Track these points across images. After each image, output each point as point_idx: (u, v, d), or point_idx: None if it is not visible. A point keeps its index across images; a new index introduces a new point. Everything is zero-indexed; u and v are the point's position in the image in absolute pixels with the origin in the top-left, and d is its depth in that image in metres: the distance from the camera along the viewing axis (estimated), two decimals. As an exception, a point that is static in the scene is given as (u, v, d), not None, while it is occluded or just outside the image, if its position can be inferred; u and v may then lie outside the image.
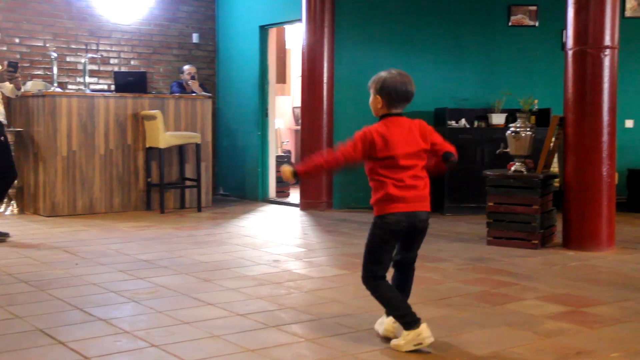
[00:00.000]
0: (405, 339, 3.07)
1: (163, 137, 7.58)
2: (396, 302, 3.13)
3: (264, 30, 8.97)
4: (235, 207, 8.43)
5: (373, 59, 8.10)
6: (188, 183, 8.10)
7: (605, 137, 5.36)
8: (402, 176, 3.05)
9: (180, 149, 8.07)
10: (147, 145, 7.80)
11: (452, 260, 5.15)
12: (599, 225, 5.41)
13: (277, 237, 6.24)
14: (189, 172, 8.14)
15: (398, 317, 3.12)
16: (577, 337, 3.30)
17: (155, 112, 7.59)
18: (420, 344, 3.06)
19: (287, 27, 9.89)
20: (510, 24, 8.11)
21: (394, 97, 3.10)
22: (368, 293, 4.12)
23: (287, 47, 10.88)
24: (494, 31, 8.14)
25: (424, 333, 3.07)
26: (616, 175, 6.94)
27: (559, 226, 5.93)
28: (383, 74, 3.15)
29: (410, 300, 3.98)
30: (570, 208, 5.53)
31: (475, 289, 4.26)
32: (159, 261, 5.08)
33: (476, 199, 7.36)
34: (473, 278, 4.54)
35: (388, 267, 3.21)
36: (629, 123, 8.29)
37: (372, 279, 3.16)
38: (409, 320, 3.07)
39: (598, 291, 4.21)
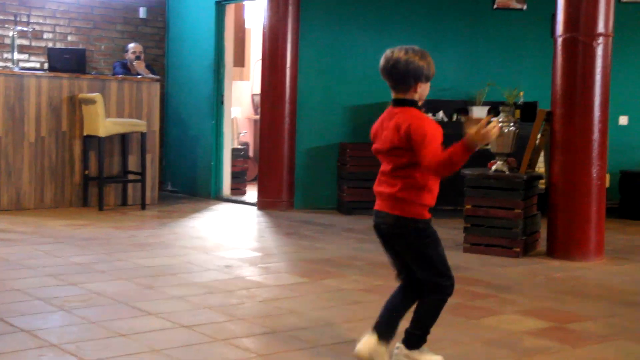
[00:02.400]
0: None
1: (103, 124, 7.49)
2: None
3: (220, 6, 8.92)
4: (185, 205, 8.37)
5: (342, 42, 8.12)
6: (131, 177, 8.03)
7: (596, 135, 5.44)
8: (380, 171, 3.08)
9: (123, 138, 7.99)
10: (85, 133, 7.70)
11: (424, 268, 5.18)
12: (587, 233, 5.50)
13: (230, 239, 6.21)
14: (133, 164, 8.06)
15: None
16: (559, 356, 3.34)
17: (95, 95, 7.50)
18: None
19: (246, 3, 9.84)
20: (495, 6, 8.19)
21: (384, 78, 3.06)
22: (329, 304, 4.16)
23: (246, 26, 10.82)
24: (477, 14, 8.22)
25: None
26: (607, 177, 7.06)
27: (543, 232, 6.01)
28: None
29: (376, 312, 4.01)
30: (556, 213, 5.60)
31: (449, 301, 4.27)
32: (95, 265, 5.02)
33: (453, 201, 7.42)
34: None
35: (397, 272, 3.25)
36: (623, 120, 8.43)
37: None
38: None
39: (583, 305, 4.27)
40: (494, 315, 4.00)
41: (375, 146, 3.09)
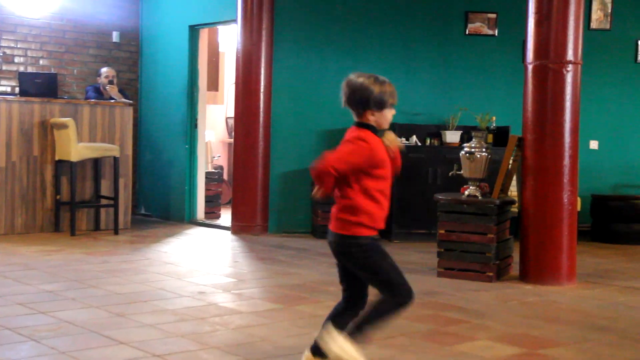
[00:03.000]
0: None
1: (75, 148, 7.44)
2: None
3: (194, 30, 8.94)
4: (158, 229, 8.32)
5: (315, 67, 8.16)
6: (104, 202, 7.97)
7: (566, 161, 5.51)
8: None
9: (96, 163, 7.94)
10: (57, 158, 7.65)
11: (398, 294, 5.19)
12: (559, 258, 5.54)
13: (204, 265, 6.18)
14: (105, 189, 8.01)
15: None
16: (531, 382, 3.35)
17: (67, 120, 7.45)
18: None
19: (220, 27, 9.88)
20: (467, 32, 8.28)
21: None
22: (303, 331, 4.14)
23: (220, 49, 10.86)
24: (450, 40, 8.31)
25: None
26: (579, 201, 7.15)
27: (516, 257, 6.06)
28: None
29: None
30: (528, 238, 5.65)
31: (422, 327, 4.30)
32: (66, 292, 4.96)
33: (427, 225, 7.45)
34: (421, 314, 4.58)
35: (343, 288, 3.46)
36: (594, 144, 8.54)
37: None
38: None
39: (556, 331, 4.30)
40: (467, 342, 4.00)
41: None
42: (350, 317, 3.31)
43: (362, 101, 3.14)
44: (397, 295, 3.17)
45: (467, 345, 3.94)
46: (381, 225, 3.23)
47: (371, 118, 3.13)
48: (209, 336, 4.01)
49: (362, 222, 3.16)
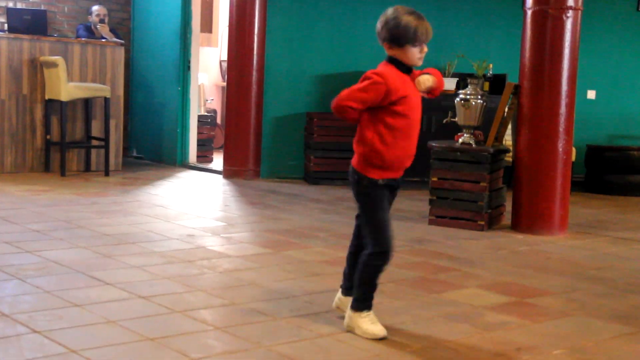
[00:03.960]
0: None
1: (65, 88, 7.33)
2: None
3: (188, -31, 8.74)
4: (149, 172, 8.26)
5: (310, 10, 8.01)
6: (94, 143, 7.89)
7: (563, 110, 5.42)
8: None
9: (86, 103, 7.83)
10: (47, 97, 7.54)
11: (388, 240, 5.16)
12: (552, 207, 5.50)
13: (194, 208, 6.13)
14: (96, 130, 7.91)
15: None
16: (519, 331, 3.33)
17: (57, 58, 7.31)
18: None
19: (216, -33, 9.66)
20: (467, -23, 8.11)
21: None
22: (291, 276, 4.11)
23: (215, -10, 10.64)
24: (449, -15, 8.13)
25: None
26: (573, 151, 7.08)
27: (508, 206, 6.02)
28: None
29: (338, 284, 3.98)
30: (521, 187, 5.59)
31: (411, 274, 4.27)
32: (53, 232, 4.92)
33: (420, 173, 7.36)
34: (410, 262, 4.55)
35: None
36: (591, 94, 8.45)
37: None
38: None
39: (545, 280, 4.27)
40: (456, 290, 3.98)
41: None
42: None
43: (381, 33, 3.04)
44: (376, 245, 3.10)
45: (455, 293, 3.91)
46: (396, 168, 3.11)
47: (391, 52, 3.03)
48: (195, 279, 3.97)
49: (371, 161, 3.07)
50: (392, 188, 3.19)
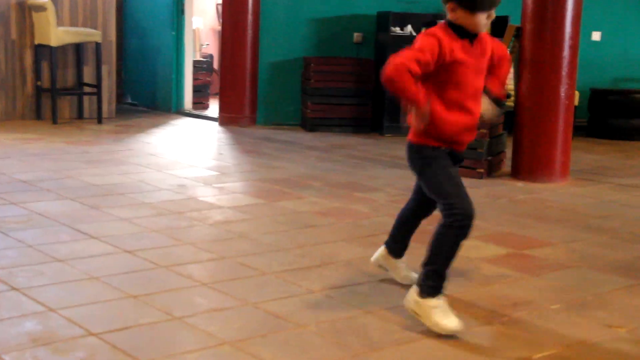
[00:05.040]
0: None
1: (55, 33, 7.11)
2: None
3: None
4: (143, 119, 8.10)
5: (308, -51, 7.72)
6: (87, 89, 7.70)
7: (566, 52, 5.23)
8: None
9: (77, 48, 7.62)
10: (36, 42, 7.33)
11: (384, 189, 5.03)
12: (553, 154, 5.35)
13: (187, 157, 5.99)
14: (88, 76, 7.71)
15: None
16: (516, 285, 3.22)
17: (45, 2, 7.08)
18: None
19: None
20: None
21: None
22: (283, 228, 3.99)
23: None
24: None
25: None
26: (577, 95, 6.89)
27: (509, 152, 5.86)
28: None
29: (331, 237, 3.87)
30: (521, 133, 5.43)
31: (407, 224, 4.13)
32: (41, 183, 4.79)
33: (420, 119, 7.22)
34: (406, 211, 4.41)
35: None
36: (596, 35, 8.21)
37: None
38: None
39: (545, 230, 4.15)
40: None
41: None
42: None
43: None
44: (447, 214, 2.72)
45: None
46: (455, 142, 2.81)
47: (453, 16, 2.63)
48: (184, 232, 3.85)
49: (429, 133, 2.73)
50: (455, 159, 2.87)
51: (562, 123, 5.34)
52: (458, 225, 2.70)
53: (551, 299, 3.06)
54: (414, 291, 2.74)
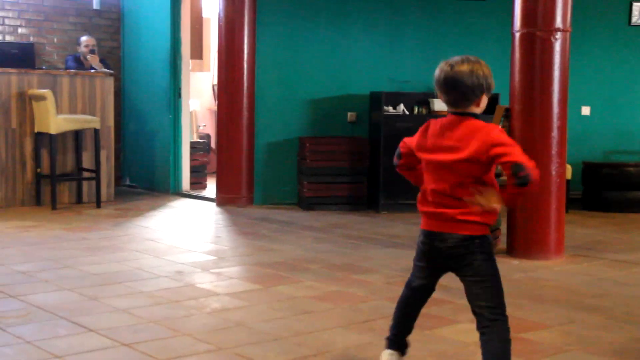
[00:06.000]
0: None
1: (54, 121, 7.26)
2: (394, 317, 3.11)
3: (176, -4, 8.70)
4: (142, 201, 8.18)
5: (300, 33, 7.94)
6: (86, 174, 7.81)
7: (554, 132, 5.34)
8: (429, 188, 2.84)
9: (77, 135, 7.76)
10: (36, 130, 7.46)
11: (381, 271, 5.06)
12: (547, 231, 5.41)
13: (185, 241, 6.04)
14: (87, 161, 7.83)
15: None
16: (512, 371, 3.22)
17: (45, 91, 7.25)
18: None
19: (204, -7, 9.62)
20: (456, -3, 8.05)
21: (440, 93, 2.86)
22: (280, 315, 4.01)
23: (204, 16, 10.60)
24: (437, 3, 8.08)
25: (381, 358, 3.06)
26: (569, 168, 6.99)
27: (504, 229, 5.91)
28: None
29: (328, 323, 3.88)
30: (515, 211, 5.50)
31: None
32: (39, 273, 4.83)
33: (415, 195, 7.29)
34: (403, 294, 4.44)
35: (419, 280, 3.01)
36: (586, 110, 8.37)
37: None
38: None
39: (541, 311, 4.17)
40: (449, 325, 3.88)
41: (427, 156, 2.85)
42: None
43: (482, 84, 2.79)
44: (504, 311, 2.81)
45: (448, 329, 3.81)
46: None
47: (483, 105, 2.80)
48: (182, 322, 3.87)
49: (490, 220, 2.85)
50: None
51: (555, 200, 5.42)
52: (509, 335, 2.78)
53: (547, 386, 3.07)
54: None
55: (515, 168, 2.60)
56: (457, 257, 2.80)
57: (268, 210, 7.66)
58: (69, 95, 7.70)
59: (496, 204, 2.70)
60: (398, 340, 3.08)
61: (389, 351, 3.07)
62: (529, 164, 2.61)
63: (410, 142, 2.96)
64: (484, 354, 2.77)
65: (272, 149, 7.97)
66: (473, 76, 2.75)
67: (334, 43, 7.98)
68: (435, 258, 2.88)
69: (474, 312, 2.84)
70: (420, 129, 2.91)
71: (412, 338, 3.65)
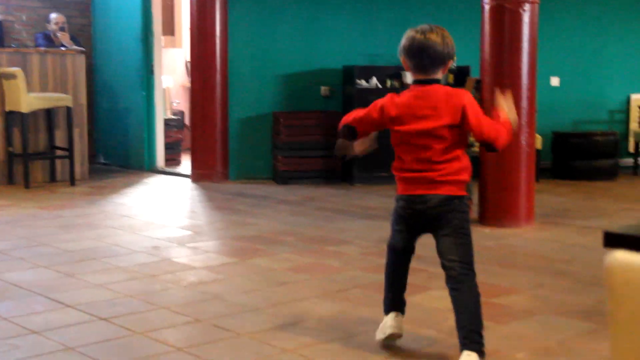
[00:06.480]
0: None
1: (25, 99, 7.19)
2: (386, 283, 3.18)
3: (146, -28, 8.61)
4: (117, 179, 8.15)
5: (272, 9, 7.92)
6: (59, 153, 7.76)
7: (524, 103, 5.40)
8: (408, 157, 2.91)
9: (49, 114, 7.70)
10: (7, 109, 7.39)
11: (355, 242, 5.12)
12: (517, 200, 5.49)
13: (161, 217, 6.05)
14: (60, 139, 7.78)
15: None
16: (484, 334, 3.29)
17: (15, 70, 7.18)
18: (385, 333, 3.10)
19: (175, -32, 9.54)
20: (426, -30, 8.07)
21: (409, 59, 2.91)
22: (256, 287, 4.05)
23: (176, -9, 10.51)
24: (409, -23, 8.09)
25: (387, 322, 3.11)
26: (539, 139, 7.08)
27: (475, 199, 5.99)
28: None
29: (303, 293, 3.93)
30: (486, 181, 5.58)
31: (377, 277, 4.19)
32: (14, 251, 4.82)
33: (388, 168, 7.34)
34: (377, 264, 4.49)
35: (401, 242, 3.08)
36: (555, 81, 8.46)
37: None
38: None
39: (511, 276, 4.25)
40: (422, 292, 3.94)
41: (408, 127, 2.89)
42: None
43: (449, 52, 2.93)
44: (472, 268, 2.95)
45: (421, 296, 3.88)
46: None
47: (444, 72, 3.00)
48: (159, 296, 3.90)
49: (467, 178, 2.98)
50: None
51: (525, 169, 5.50)
52: (477, 287, 2.91)
53: (517, 347, 3.15)
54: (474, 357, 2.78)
55: (482, 141, 2.90)
56: (438, 216, 2.91)
57: (243, 185, 7.68)
58: (40, 74, 7.63)
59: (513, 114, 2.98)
60: (396, 301, 3.17)
61: (392, 314, 3.15)
62: (492, 135, 2.87)
63: (373, 115, 2.99)
64: (457, 307, 2.88)
65: (246, 125, 7.97)
66: (443, 43, 2.89)
67: (306, 18, 7.97)
68: (416, 220, 2.98)
69: (444, 266, 2.95)
70: (384, 103, 2.95)
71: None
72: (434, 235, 2.99)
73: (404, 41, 2.93)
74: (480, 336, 2.84)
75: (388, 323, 3.12)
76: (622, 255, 1.28)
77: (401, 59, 2.98)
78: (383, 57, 7.96)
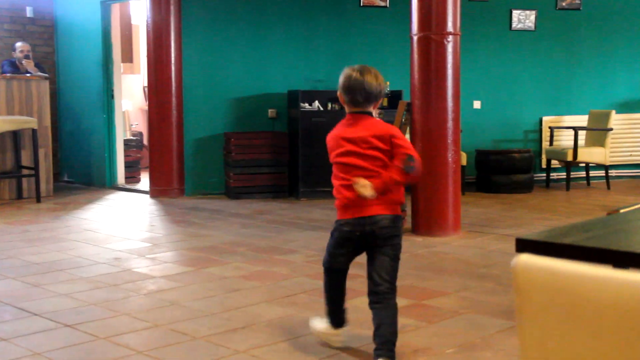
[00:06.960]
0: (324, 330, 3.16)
1: (-7, 122, 7.03)
2: (328, 301, 3.17)
3: (105, 5, 8.52)
4: (80, 195, 8.01)
5: (223, 38, 7.92)
6: (25, 172, 7.59)
7: (450, 124, 5.52)
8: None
9: (15, 135, 7.54)
10: (-25, 131, 7.22)
11: (301, 251, 5.14)
12: (446, 211, 5.59)
13: (122, 230, 5.97)
14: (26, 159, 7.62)
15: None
16: (416, 333, 3.36)
17: (-17, 95, 7.02)
18: (333, 344, 3.15)
19: (132, 1, 9.45)
20: (361, 3, 8.17)
21: (345, 95, 2.96)
22: (211, 293, 4.04)
23: (133, 22, 10.42)
24: (346, 10, 8.19)
25: (339, 337, 3.16)
26: (464, 156, 7.23)
27: (409, 210, 6.08)
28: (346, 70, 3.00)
29: (254, 299, 3.93)
30: (417, 194, 5.66)
31: (321, 283, 4.22)
32: (-17, 265, 4.70)
33: (330, 183, 7.40)
34: (321, 271, 4.46)
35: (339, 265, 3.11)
36: (477, 104, 8.64)
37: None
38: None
39: (441, 281, 4.33)
40: (362, 296, 3.95)
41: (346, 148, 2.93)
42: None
43: (380, 93, 2.98)
44: (395, 288, 2.99)
45: (360, 299, 3.89)
46: None
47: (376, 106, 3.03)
48: (120, 303, 3.86)
49: (401, 199, 2.96)
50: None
51: (452, 184, 5.60)
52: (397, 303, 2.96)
53: (446, 344, 3.21)
54: None
55: (409, 158, 2.85)
56: (385, 236, 2.91)
57: (198, 200, 7.63)
58: (7, 98, 7.48)
59: (369, 191, 2.83)
60: (342, 315, 3.19)
61: (342, 329, 3.17)
62: (418, 159, 2.90)
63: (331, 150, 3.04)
64: (380, 319, 2.90)
65: (200, 144, 7.94)
66: (377, 83, 2.95)
67: (254, 46, 7.99)
68: (363, 241, 2.95)
69: (374, 282, 2.94)
70: (331, 137, 3.01)
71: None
72: (375, 252, 2.96)
73: (342, 78, 2.98)
74: (394, 345, 2.89)
75: (340, 338, 3.16)
76: (526, 258, 1.35)
77: (338, 93, 3.03)
78: (324, 82, 8.03)
